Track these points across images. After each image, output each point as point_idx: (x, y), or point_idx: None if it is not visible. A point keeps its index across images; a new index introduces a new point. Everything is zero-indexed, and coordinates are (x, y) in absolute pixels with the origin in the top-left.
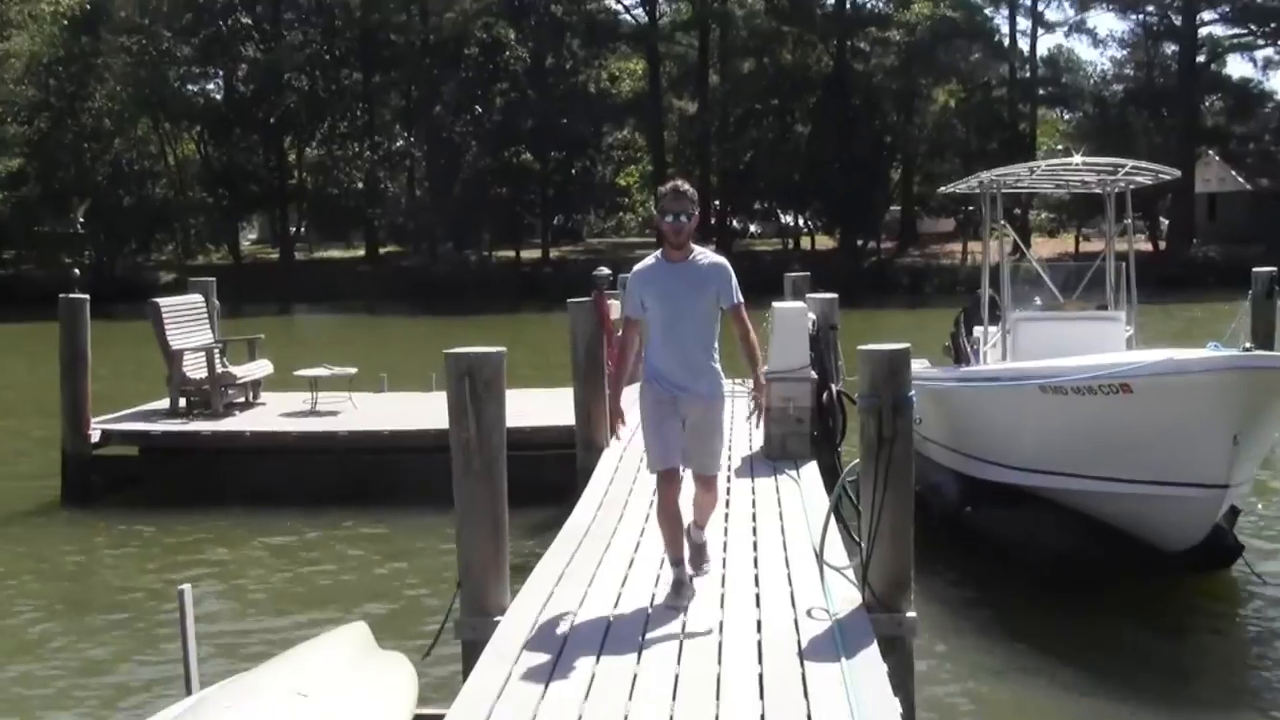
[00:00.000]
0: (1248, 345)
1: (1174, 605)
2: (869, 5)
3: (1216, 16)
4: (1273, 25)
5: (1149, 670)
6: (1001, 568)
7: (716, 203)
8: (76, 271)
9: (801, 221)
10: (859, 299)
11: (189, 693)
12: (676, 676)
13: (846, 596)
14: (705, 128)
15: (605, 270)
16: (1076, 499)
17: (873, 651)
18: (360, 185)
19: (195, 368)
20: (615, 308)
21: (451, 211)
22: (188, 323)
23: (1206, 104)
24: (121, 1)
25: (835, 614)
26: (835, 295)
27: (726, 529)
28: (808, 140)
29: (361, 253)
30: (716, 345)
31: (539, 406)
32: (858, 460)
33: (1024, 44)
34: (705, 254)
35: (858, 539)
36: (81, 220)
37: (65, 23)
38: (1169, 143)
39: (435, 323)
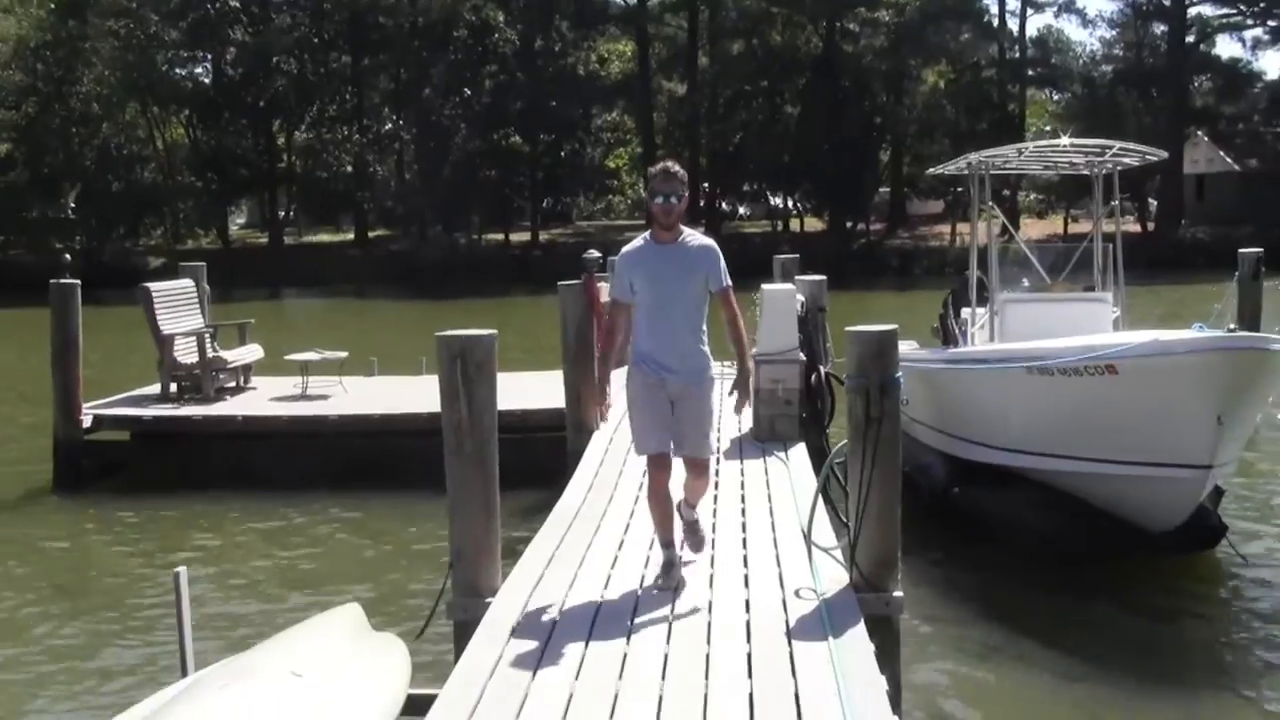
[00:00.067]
0: (1232, 326)
1: (1158, 585)
2: None
3: None
4: (1262, 5)
5: (1133, 650)
6: (988, 548)
7: (706, 184)
8: (68, 257)
9: (791, 203)
10: (848, 281)
11: (184, 674)
12: (666, 656)
13: (834, 576)
14: (694, 109)
15: (595, 253)
16: (1062, 480)
17: (860, 630)
18: (349, 169)
19: (186, 353)
20: (605, 290)
21: (441, 194)
22: (178, 308)
23: (1196, 84)
24: None
25: (823, 594)
26: (824, 277)
27: (715, 510)
28: (797, 122)
29: (351, 236)
30: (705, 328)
31: (529, 389)
32: (846, 441)
33: (1013, 24)
34: (694, 236)
35: (845, 519)
36: (73, 206)
37: (53, 6)
38: (1158, 123)
39: (424, 306)
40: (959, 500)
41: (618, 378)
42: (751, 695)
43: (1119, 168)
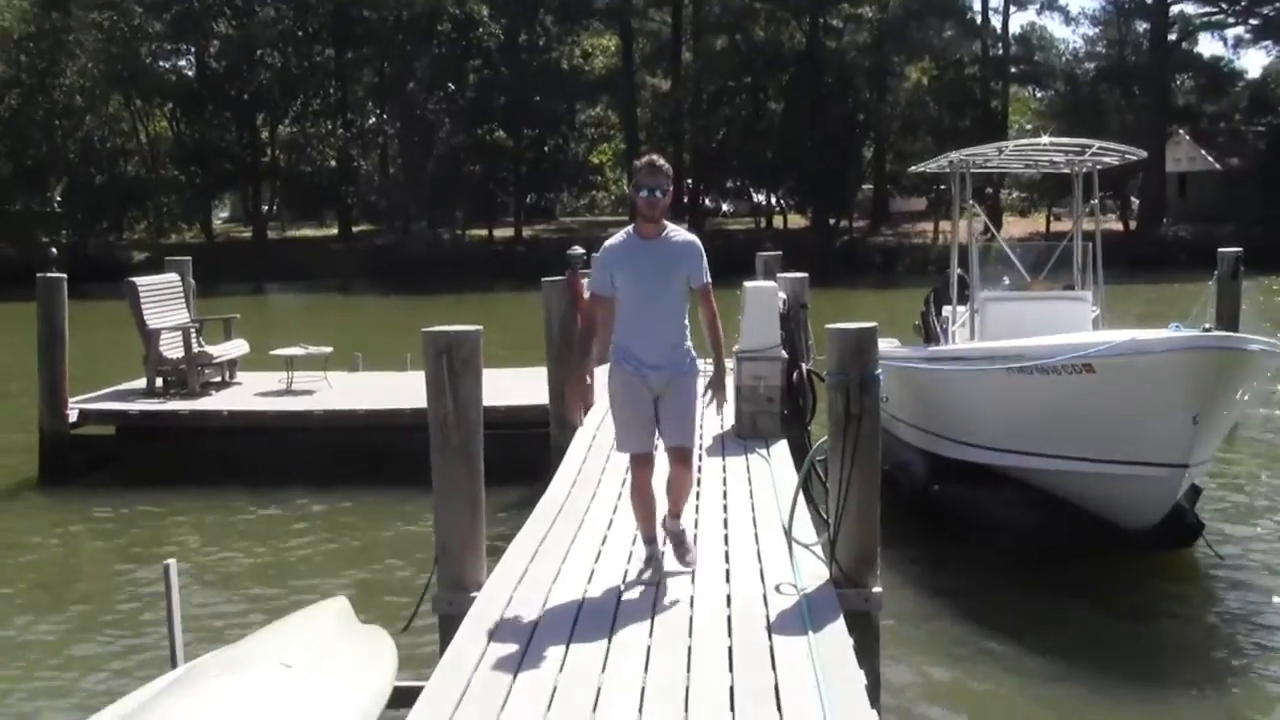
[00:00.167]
0: (1207, 325)
1: (1135, 583)
2: None
3: None
4: (1243, 3)
5: (1109, 648)
6: (968, 545)
7: (689, 181)
8: (54, 250)
9: (774, 200)
10: (831, 278)
11: (174, 666)
12: (648, 649)
13: (814, 572)
14: (678, 105)
15: (579, 249)
16: (1041, 478)
17: (839, 625)
18: (333, 163)
19: (172, 347)
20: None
21: (425, 189)
22: (164, 302)
23: (1177, 83)
24: None
25: (803, 589)
26: (806, 275)
27: (698, 506)
28: (780, 118)
29: (334, 231)
30: (687, 322)
31: (513, 386)
32: (826, 438)
33: (996, 21)
34: (678, 231)
35: (826, 516)
36: (59, 199)
37: None
38: (1140, 121)
39: (408, 302)
40: (939, 498)
41: (601, 373)
42: (732, 688)
43: (1099, 166)
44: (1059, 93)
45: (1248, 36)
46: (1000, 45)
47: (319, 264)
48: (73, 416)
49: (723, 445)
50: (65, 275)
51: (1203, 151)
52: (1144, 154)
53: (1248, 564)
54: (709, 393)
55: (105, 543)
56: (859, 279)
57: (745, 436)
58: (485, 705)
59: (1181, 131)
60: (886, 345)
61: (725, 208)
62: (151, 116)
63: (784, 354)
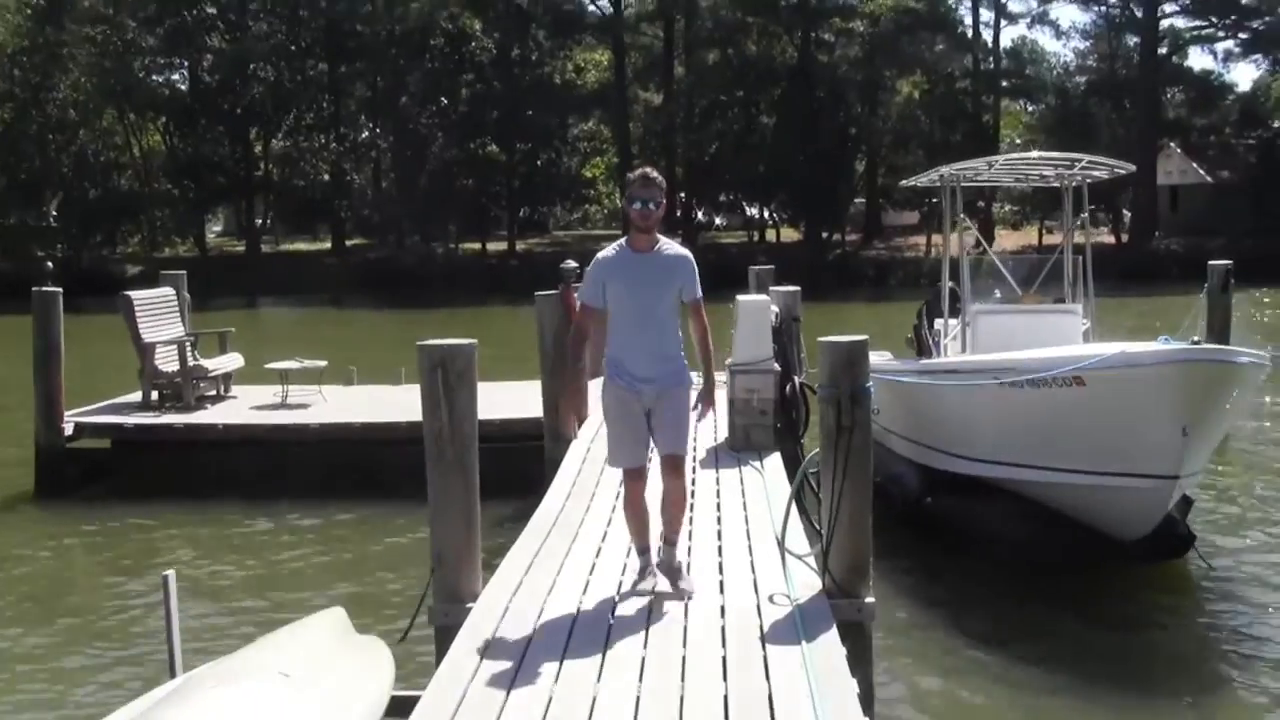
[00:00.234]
0: (1196, 339)
1: (1126, 595)
2: None
3: (1178, 8)
4: (1233, 18)
5: (1101, 659)
6: (961, 557)
7: (682, 194)
8: (50, 265)
9: (767, 214)
10: (824, 291)
11: (173, 676)
12: (643, 659)
13: (807, 582)
14: (671, 119)
15: (572, 263)
16: (1032, 489)
17: (832, 635)
18: (326, 177)
19: (167, 361)
20: None
21: (418, 203)
22: (159, 316)
23: (1168, 96)
24: None
25: (796, 599)
26: (798, 288)
27: (692, 518)
28: (773, 132)
29: (328, 245)
30: (680, 335)
31: (507, 399)
32: (818, 450)
33: (987, 35)
34: (670, 245)
35: (819, 527)
36: (54, 213)
37: (29, 12)
38: (1131, 134)
39: (402, 315)
40: (932, 510)
41: (595, 386)
42: (726, 697)
43: (1088, 180)
44: (1050, 106)
45: (1237, 50)
46: (991, 59)
47: (312, 278)
48: (68, 429)
49: (716, 458)
50: (61, 289)
51: (1194, 164)
52: (1133, 168)
53: (1239, 575)
54: (699, 405)
55: (100, 555)
56: (852, 292)
57: (739, 449)
58: (482, 714)
59: (1173, 145)
60: (879, 358)
61: (718, 221)
62: (145, 130)
63: (777, 367)
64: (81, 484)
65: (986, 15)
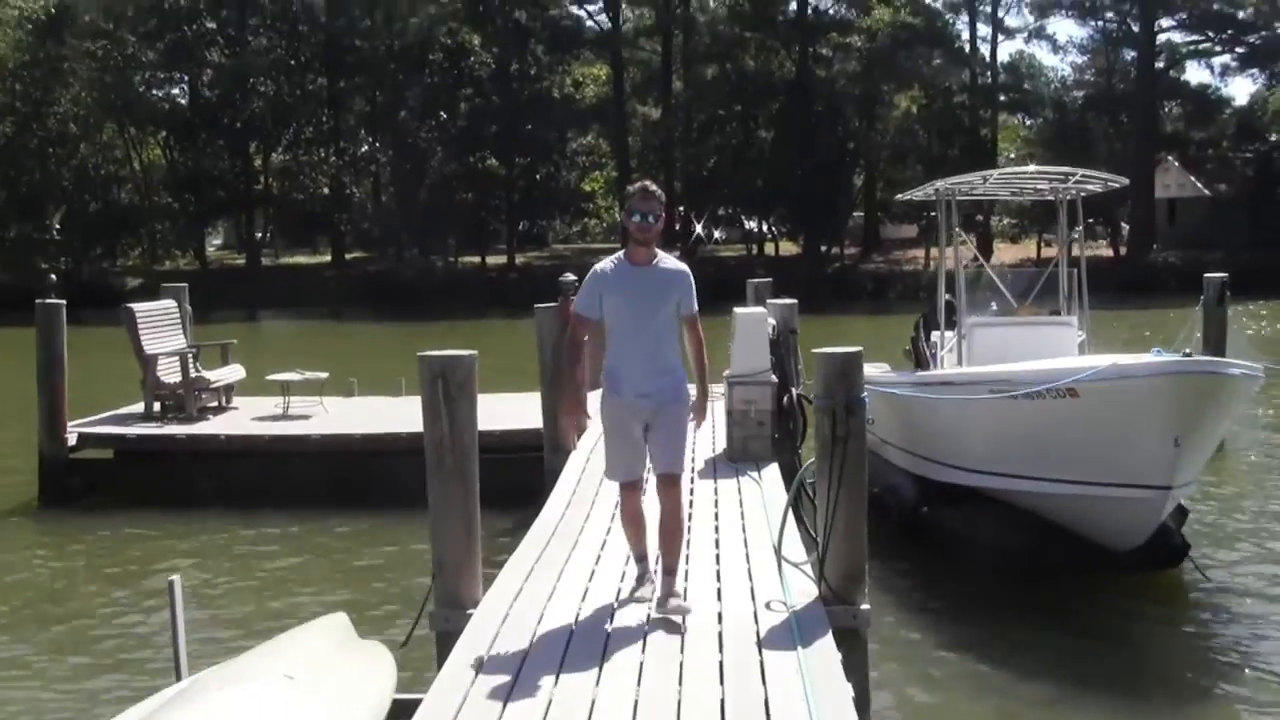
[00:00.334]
0: (1187, 351)
1: (1120, 604)
2: (831, 11)
3: (1175, 23)
4: (1230, 32)
5: (1094, 666)
6: (957, 567)
7: (681, 208)
8: (53, 277)
9: (765, 227)
10: (823, 305)
11: (178, 679)
12: (641, 664)
13: (804, 590)
14: (669, 133)
15: (571, 276)
16: (1027, 500)
17: (827, 641)
18: (326, 190)
19: (169, 372)
20: None
21: (417, 217)
22: (162, 328)
23: (1165, 110)
24: (87, 6)
25: (792, 606)
26: (795, 301)
27: (690, 527)
28: (771, 146)
29: (327, 258)
30: (678, 348)
31: (507, 410)
32: (814, 459)
33: (985, 50)
34: (668, 259)
35: (815, 535)
36: (58, 226)
37: (30, 27)
38: (1128, 148)
39: (402, 328)
40: (928, 520)
41: (594, 398)
42: (723, 701)
43: (1082, 194)
44: (1048, 120)
45: (1234, 64)
46: (989, 74)
47: (312, 291)
48: (71, 440)
49: (714, 468)
50: (64, 301)
51: (1191, 178)
52: (1126, 181)
53: (1234, 585)
54: (690, 415)
55: (102, 564)
56: (851, 306)
57: (737, 460)
58: (482, 717)
59: (1170, 158)
60: (877, 370)
61: (717, 235)
62: (145, 144)
63: (774, 379)
64: (84, 494)
65: (984, 30)
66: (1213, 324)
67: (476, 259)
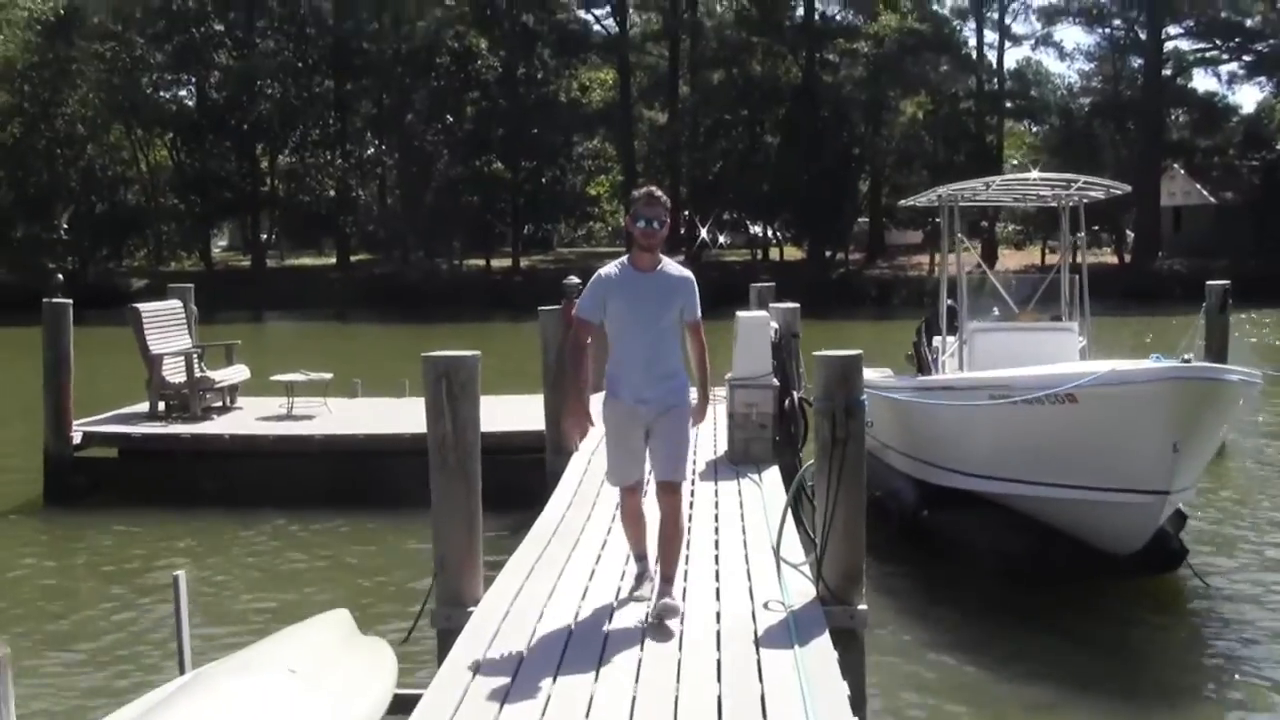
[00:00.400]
0: (1186, 357)
1: (1119, 609)
2: (837, 17)
3: (1182, 31)
4: (1237, 40)
5: (1091, 669)
6: (956, 570)
7: (686, 212)
8: (60, 277)
9: (770, 232)
10: (827, 310)
11: (182, 674)
12: (640, 661)
13: (802, 590)
14: (675, 138)
15: (575, 279)
16: (1027, 504)
17: (824, 641)
18: (332, 193)
19: (174, 372)
20: None
21: (423, 219)
22: (167, 328)
23: (1172, 117)
24: (95, 8)
25: (790, 606)
26: (797, 305)
27: (690, 528)
28: (777, 151)
29: (333, 260)
30: (680, 353)
31: (510, 412)
32: (814, 461)
33: (992, 56)
34: (673, 265)
35: (814, 536)
36: (65, 227)
37: (39, 28)
38: (1134, 156)
39: (406, 330)
40: (928, 524)
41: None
42: (720, 698)
43: (1085, 201)
44: (1054, 127)
45: (1241, 73)
46: (995, 80)
47: (317, 292)
48: (76, 439)
49: (715, 470)
50: (70, 301)
51: (1197, 186)
52: (1128, 188)
53: (1231, 590)
54: (689, 417)
55: (107, 562)
56: (855, 310)
57: (738, 462)
58: (482, 712)
59: (1176, 166)
60: (879, 375)
61: (722, 240)
62: (152, 146)
63: (776, 382)
64: (89, 492)
65: (991, 37)
66: (1215, 331)
67: (481, 262)
